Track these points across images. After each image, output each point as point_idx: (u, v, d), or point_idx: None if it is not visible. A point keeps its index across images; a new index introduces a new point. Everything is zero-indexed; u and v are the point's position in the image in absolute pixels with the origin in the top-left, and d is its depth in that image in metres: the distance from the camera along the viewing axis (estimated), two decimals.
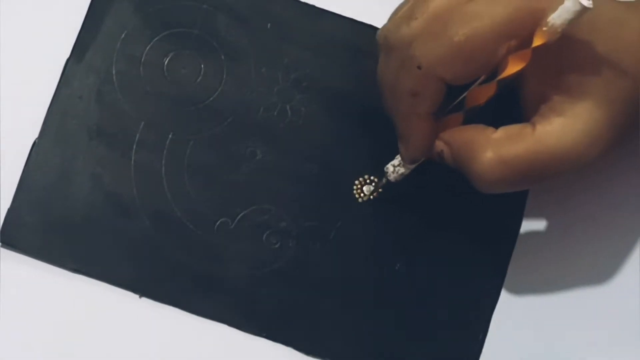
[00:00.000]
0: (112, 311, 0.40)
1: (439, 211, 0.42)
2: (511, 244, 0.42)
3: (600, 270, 0.42)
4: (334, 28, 0.43)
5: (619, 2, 0.35)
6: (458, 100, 0.37)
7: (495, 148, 0.35)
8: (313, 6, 0.43)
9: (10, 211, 0.41)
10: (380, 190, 0.42)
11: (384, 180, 0.41)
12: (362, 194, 0.42)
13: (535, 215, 0.42)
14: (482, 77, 0.36)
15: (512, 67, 0.33)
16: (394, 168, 0.40)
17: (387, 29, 0.36)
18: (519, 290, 0.42)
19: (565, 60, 0.34)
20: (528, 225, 0.42)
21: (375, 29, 0.43)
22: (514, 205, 0.42)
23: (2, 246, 0.41)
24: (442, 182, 0.42)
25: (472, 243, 0.42)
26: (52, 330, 0.40)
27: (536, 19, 0.33)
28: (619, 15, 0.35)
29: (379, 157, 0.42)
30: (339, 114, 0.42)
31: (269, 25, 0.43)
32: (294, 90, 0.42)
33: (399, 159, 0.39)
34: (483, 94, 0.35)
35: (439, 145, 0.37)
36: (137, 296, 0.41)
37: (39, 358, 0.40)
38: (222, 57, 0.43)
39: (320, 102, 0.42)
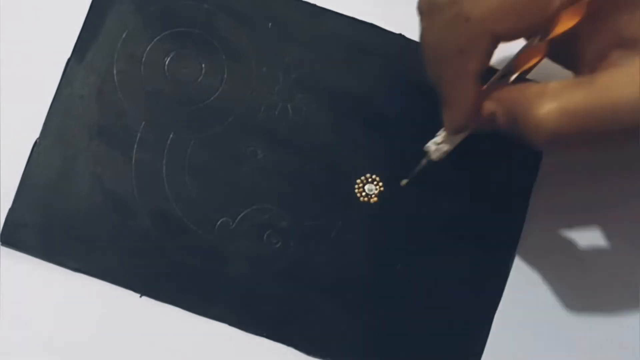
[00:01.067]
0: (112, 310, 0.40)
1: (440, 211, 0.42)
2: (514, 244, 0.42)
3: (603, 271, 0.42)
4: (335, 27, 0.43)
5: None
6: (506, 65, 0.35)
7: (553, 97, 0.32)
8: (314, 5, 0.43)
9: (11, 211, 0.41)
10: (419, 173, 0.39)
11: (424, 161, 0.38)
12: (363, 193, 0.42)
13: (538, 216, 0.42)
14: (534, 39, 0.34)
15: (566, 23, 0.32)
16: (436, 146, 0.38)
17: None
18: (521, 290, 0.42)
19: (622, 13, 0.32)
20: (530, 225, 0.42)
21: (376, 28, 0.43)
22: (516, 206, 0.42)
23: (3, 245, 0.41)
24: (443, 182, 0.41)
25: (474, 243, 0.42)
26: (53, 329, 0.40)
27: None
28: None
29: (380, 156, 0.42)
30: (340, 113, 0.42)
31: (269, 24, 0.43)
32: (295, 89, 0.42)
33: (442, 135, 0.37)
34: (533, 55, 0.33)
35: (490, 106, 0.34)
36: (137, 295, 0.41)
37: (39, 357, 0.40)
38: (223, 56, 0.43)
39: (321, 102, 0.42)
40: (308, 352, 0.41)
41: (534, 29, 0.33)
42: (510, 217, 0.42)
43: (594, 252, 0.42)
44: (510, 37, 0.33)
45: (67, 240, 0.41)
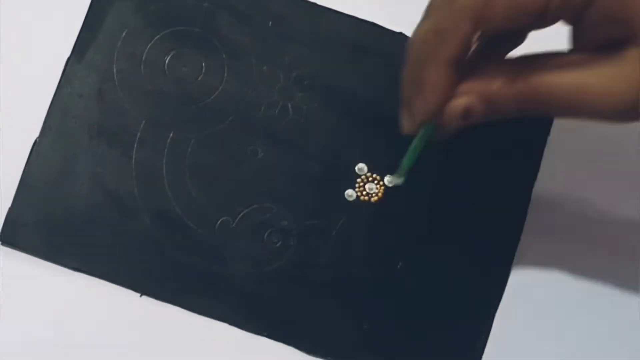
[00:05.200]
0: (112, 310, 0.40)
1: (441, 210, 0.42)
2: (514, 244, 0.42)
3: (604, 270, 0.42)
4: (335, 26, 0.43)
5: None
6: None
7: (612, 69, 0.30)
8: (314, 4, 0.43)
9: (11, 210, 0.41)
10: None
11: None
12: (364, 192, 0.42)
13: (538, 214, 0.42)
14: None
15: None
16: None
17: None
18: (522, 290, 0.41)
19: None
20: (531, 224, 0.42)
21: (377, 26, 0.43)
22: (517, 204, 0.42)
23: (3, 245, 0.41)
24: (444, 182, 0.41)
25: (475, 242, 0.42)
26: (53, 328, 0.40)
27: None
28: None
29: (380, 155, 0.42)
30: (340, 112, 0.42)
31: (270, 23, 0.43)
32: (295, 88, 0.42)
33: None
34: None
35: (464, 100, 0.32)
36: (137, 295, 0.41)
37: (39, 357, 0.40)
38: (223, 55, 0.42)
39: (321, 101, 0.42)
40: (308, 352, 0.41)
41: (523, 23, 0.31)
42: (511, 217, 0.42)
43: (594, 252, 0.42)
44: (493, 26, 0.31)
45: (66, 240, 0.41)
